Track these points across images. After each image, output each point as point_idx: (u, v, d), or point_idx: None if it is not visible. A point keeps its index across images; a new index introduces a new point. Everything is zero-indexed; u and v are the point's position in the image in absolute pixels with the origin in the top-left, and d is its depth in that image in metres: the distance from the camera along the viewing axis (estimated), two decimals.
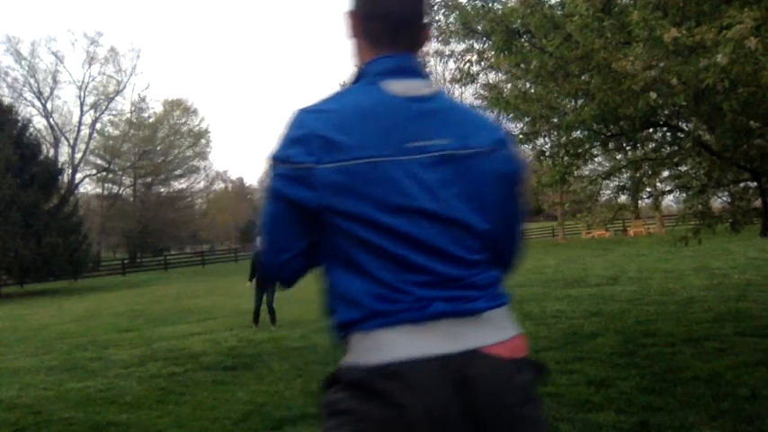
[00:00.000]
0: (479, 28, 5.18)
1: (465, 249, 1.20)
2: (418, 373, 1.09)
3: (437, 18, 5.56)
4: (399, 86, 1.24)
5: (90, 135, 44.94)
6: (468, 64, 5.79)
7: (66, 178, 38.68)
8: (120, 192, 49.51)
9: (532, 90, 5.55)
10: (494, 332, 1.18)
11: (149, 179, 50.03)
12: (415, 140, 1.20)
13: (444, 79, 35.72)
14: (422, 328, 1.13)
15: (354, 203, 1.16)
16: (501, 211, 1.27)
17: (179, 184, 53.30)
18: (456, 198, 1.20)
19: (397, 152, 1.18)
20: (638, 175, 6.58)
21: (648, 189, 7.25)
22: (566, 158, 5.59)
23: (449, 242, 1.19)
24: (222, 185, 67.82)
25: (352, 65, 1.37)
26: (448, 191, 1.20)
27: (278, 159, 1.20)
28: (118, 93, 45.05)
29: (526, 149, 6.07)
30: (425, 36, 1.37)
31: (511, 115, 5.81)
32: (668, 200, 8.97)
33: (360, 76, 1.30)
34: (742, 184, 6.26)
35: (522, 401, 1.15)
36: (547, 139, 6.04)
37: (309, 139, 1.18)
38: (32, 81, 42.08)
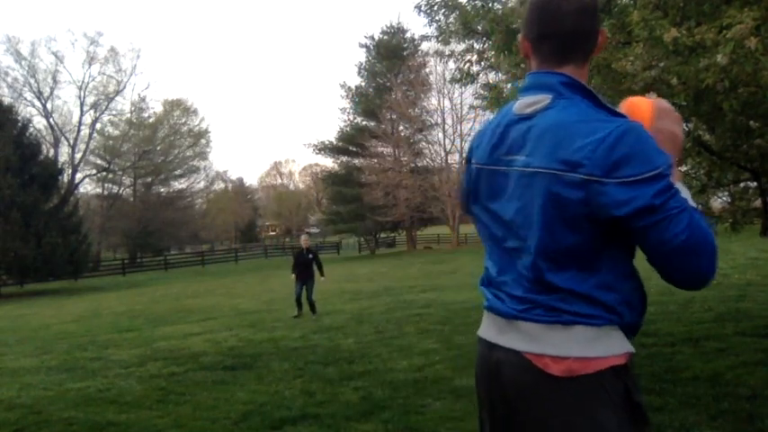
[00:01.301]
0: (479, 28, 5.18)
1: (517, 261, 1.37)
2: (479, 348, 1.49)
3: (437, 18, 5.56)
4: (519, 104, 1.40)
5: (90, 135, 44.95)
6: (468, 64, 5.79)
7: (66, 178, 38.68)
8: (120, 192, 49.49)
9: None
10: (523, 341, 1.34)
11: (149, 179, 50.01)
12: (507, 155, 1.39)
13: (444, 79, 35.76)
14: (485, 315, 1.48)
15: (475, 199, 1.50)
16: (547, 233, 1.30)
17: (179, 184, 53.34)
18: (520, 212, 1.35)
19: (496, 162, 1.41)
20: None
21: None
22: None
23: (507, 248, 1.40)
24: (222, 185, 67.83)
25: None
26: (516, 203, 1.36)
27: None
28: (118, 93, 45.06)
29: None
30: (598, 44, 1.41)
31: None
32: None
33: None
34: (742, 184, 6.26)
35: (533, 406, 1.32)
36: None
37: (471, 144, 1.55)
38: (32, 81, 42.09)
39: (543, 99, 1.34)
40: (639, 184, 1.19)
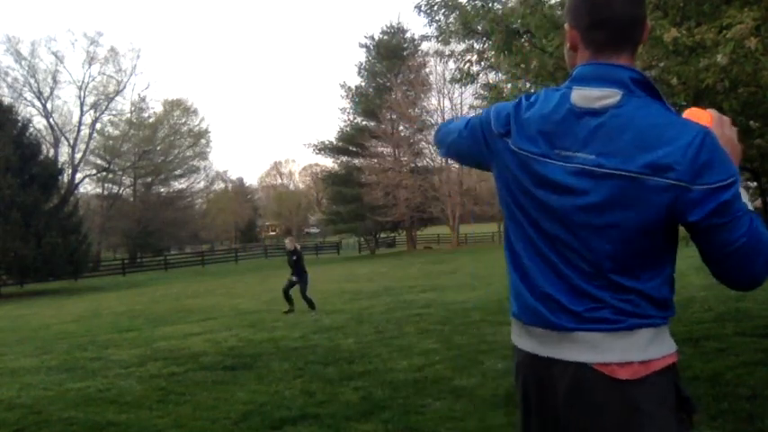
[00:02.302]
0: (479, 28, 5.18)
1: (573, 263, 1.33)
2: None
3: (437, 18, 5.57)
4: (580, 95, 1.31)
5: (90, 135, 44.97)
6: (468, 64, 5.79)
7: (66, 178, 38.68)
8: (120, 192, 49.50)
9: (532, 90, 5.55)
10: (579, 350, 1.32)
11: (149, 179, 50.02)
12: (566, 150, 1.30)
13: (444, 79, 35.78)
14: (523, 327, 1.46)
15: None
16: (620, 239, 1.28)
17: (179, 184, 53.36)
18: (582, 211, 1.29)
19: (547, 155, 1.32)
20: None
21: None
22: None
23: (557, 248, 1.35)
24: (222, 185, 67.85)
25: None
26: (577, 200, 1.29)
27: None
28: (118, 93, 45.09)
29: None
30: (645, 34, 1.38)
31: None
32: None
33: (567, 78, 1.39)
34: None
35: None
36: None
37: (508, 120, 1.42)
38: (32, 81, 42.10)
39: (613, 94, 1.28)
40: (721, 190, 1.20)
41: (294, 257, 11.36)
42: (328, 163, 56.25)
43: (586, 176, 1.27)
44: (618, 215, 1.25)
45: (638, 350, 1.29)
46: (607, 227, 1.26)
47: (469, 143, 1.55)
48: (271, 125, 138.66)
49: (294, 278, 11.35)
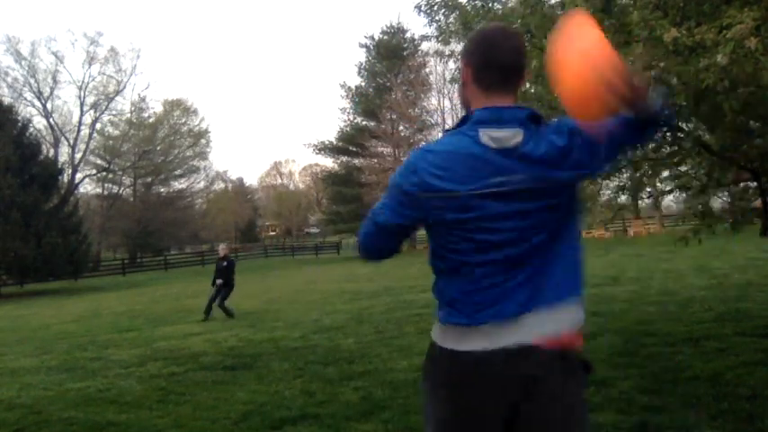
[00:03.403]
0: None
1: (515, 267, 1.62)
2: None
3: (437, 18, 5.56)
4: (489, 137, 1.49)
5: (90, 135, 44.97)
6: None
7: (66, 178, 38.68)
8: (120, 192, 49.50)
9: (532, 90, 5.54)
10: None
11: (149, 179, 50.03)
12: (494, 177, 1.49)
13: (444, 79, 35.78)
14: None
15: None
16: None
17: (179, 184, 53.37)
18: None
19: (486, 186, 1.49)
20: (638, 174, 6.57)
21: (648, 189, 7.25)
22: None
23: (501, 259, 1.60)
24: (222, 185, 67.84)
25: (461, 105, 1.68)
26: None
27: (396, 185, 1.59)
28: (118, 93, 45.10)
29: None
30: (523, 80, 1.64)
31: None
32: (668, 200, 8.97)
33: (464, 121, 1.56)
34: (742, 184, 6.26)
35: None
36: None
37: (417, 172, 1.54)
38: (32, 81, 42.12)
39: (515, 134, 1.49)
40: None
41: (225, 263, 11.45)
42: (328, 163, 56.20)
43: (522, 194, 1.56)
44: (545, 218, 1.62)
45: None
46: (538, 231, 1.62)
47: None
48: (271, 125, 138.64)
49: (219, 281, 11.37)
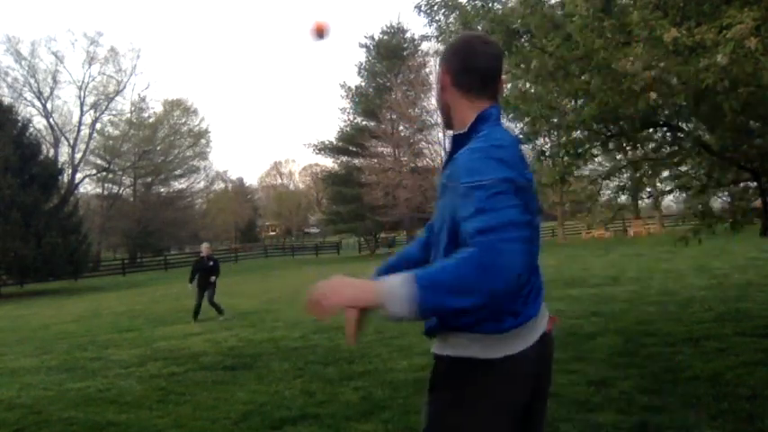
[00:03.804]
0: (479, 28, 5.17)
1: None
2: None
3: (437, 18, 5.56)
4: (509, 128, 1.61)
5: (90, 135, 44.98)
6: None
7: (66, 178, 38.70)
8: (120, 192, 49.51)
9: (532, 90, 5.54)
10: None
11: (149, 179, 50.04)
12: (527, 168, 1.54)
13: None
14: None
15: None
16: None
17: (179, 184, 53.38)
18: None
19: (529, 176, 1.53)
20: (638, 175, 6.58)
21: (648, 189, 7.25)
22: (566, 158, 5.59)
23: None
24: (222, 185, 67.84)
25: (439, 109, 1.73)
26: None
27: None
28: (118, 93, 45.11)
29: (526, 149, 6.04)
30: (501, 86, 1.69)
31: (510, 115, 5.81)
32: (668, 200, 8.97)
33: (484, 120, 1.57)
34: (742, 184, 6.26)
35: None
36: (547, 139, 6.03)
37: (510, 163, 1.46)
38: (32, 81, 42.13)
39: None
40: None
41: (211, 263, 11.53)
42: (328, 163, 56.25)
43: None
44: None
45: None
46: None
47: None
48: (271, 125, 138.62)
49: (213, 279, 11.43)
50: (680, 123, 5.49)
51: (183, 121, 52.26)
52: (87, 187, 47.89)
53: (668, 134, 5.81)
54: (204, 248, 11.95)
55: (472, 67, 1.58)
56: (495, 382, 1.47)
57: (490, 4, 5.24)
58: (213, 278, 11.47)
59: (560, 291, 10.84)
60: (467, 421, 1.47)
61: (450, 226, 1.47)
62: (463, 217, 1.35)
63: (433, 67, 38.31)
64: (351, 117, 42.53)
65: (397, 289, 1.25)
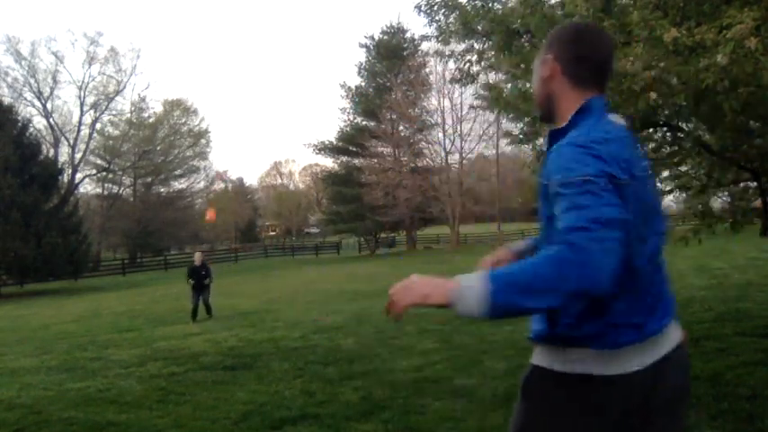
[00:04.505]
0: (479, 28, 5.18)
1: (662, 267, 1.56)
2: None
3: (437, 18, 5.56)
4: (617, 119, 1.53)
5: (90, 135, 44.96)
6: (468, 64, 5.79)
7: (66, 178, 38.68)
8: (120, 192, 49.50)
9: (532, 90, 5.54)
10: None
11: (149, 179, 50.02)
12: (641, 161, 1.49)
13: (444, 79, 35.76)
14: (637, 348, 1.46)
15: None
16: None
17: (179, 184, 53.37)
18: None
19: (642, 171, 1.44)
20: None
21: None
22: None
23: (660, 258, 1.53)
24: (222, 185, 67.83)
25: (538, 99, 1.64)
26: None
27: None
28: (118, 93, 45.09)
29: (526, 149, 6.04)
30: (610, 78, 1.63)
31: (511, 115, 5.81)
32: (668, 200, 8.96)
33: (585, 111, 1.50)
34: (742, 184, 6.26)
35: None
36: (547, 138, 6.02)
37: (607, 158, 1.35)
38: (32, 81, 42.10)
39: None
40: None
41: (203, 272, 11.94)
42: (328, 163, 56.29)
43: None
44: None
45: None
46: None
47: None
48: (271, 125, 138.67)
49: (207, 281, 11.87)
50: (680, 123, 5.49)
51: (183, 121, 52.29)
52: (87, 187, 47.96)
53: (668, 134, 5.81)
54: (197, 257, 12.38)
55: (586, 56, 1.51)
56: (599, 400, 1.39)
57: (490, 4, 5.24)
58: (207, 280, 11.91)
59: None
60: None
61: (546, 225, 1.46)
62: (555, 216, 1.31)
63: (433, 67, 38.39)
64: (351, 117, 42.58)
65: (469, 288, 1.24)
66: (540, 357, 1.47)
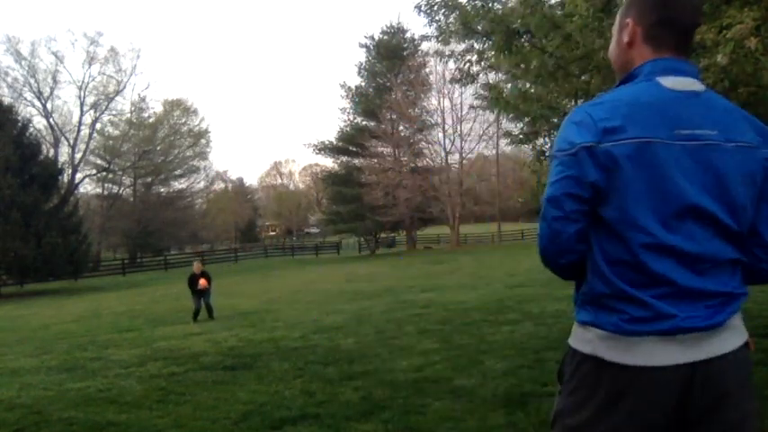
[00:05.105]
0: (479, 28, 5.18)
1: (713, 251, 1.33)
2: None
3: (437, 18, 5.56)
4: (672, 82, 1.36)
5: (90, 135, 44.98)
6: (468, 64, 5.79)
7: (66, 178, 38.68)
8: (120, 192, 49.51)
9: (532, 90, 5.55)
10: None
11: (149, 179, 50.03)
12: (684, 128, 1.30)
13: (444, 79, 35.78)
14: (656, 340, 1.31)
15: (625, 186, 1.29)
16: (747, 211, 1.35)
17: (179, 184, 53.37)
18: (704, 188, 1.30)
19: (669, 137, 1.29)
20: None
21: None
22: None
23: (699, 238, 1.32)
24: (222, 185, 67.85)
25: (616, 68, 1.52)
26: (702, 178, 1.30)
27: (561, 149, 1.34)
28: (118, 93, 45.10)
29: (526, 149, 6.04)
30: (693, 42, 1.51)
31: (511, 115, 5.81)
32: None
33: (633, 76, 1.42)
34: None
35: None
36: (547, 139, 6.03)
37: (589, 124, 1.31)
38: (32, 81, 42.11)
39: (695, 83, 1.38)
40: None
41: (203, 278, 12.06)
42: (328, 163, 56.30)
43: (714, 152, 1.31)
44: (748, 190, 1.34)
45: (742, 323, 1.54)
46: (745, 203, 1.36)
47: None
48: (271, 125, 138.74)
49: (201, 296, 11.94)
50: None
51: (183, 121, 52.30)
52: (87, 187, 47.97)
53: None
54: (195, 266, 12.47)
55: (670, 20, 1.40)
56: (612, 388, 1.32)
57: (490, 4, 5.25)
58: (207, 288, 12.02)
59: (560, 291, 10.84)
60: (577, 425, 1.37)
61: None
62: None
63: (433, 67, 38.40)
64: (351, 117, 42.59)
65: None
66: (571, 336, 1.47)
